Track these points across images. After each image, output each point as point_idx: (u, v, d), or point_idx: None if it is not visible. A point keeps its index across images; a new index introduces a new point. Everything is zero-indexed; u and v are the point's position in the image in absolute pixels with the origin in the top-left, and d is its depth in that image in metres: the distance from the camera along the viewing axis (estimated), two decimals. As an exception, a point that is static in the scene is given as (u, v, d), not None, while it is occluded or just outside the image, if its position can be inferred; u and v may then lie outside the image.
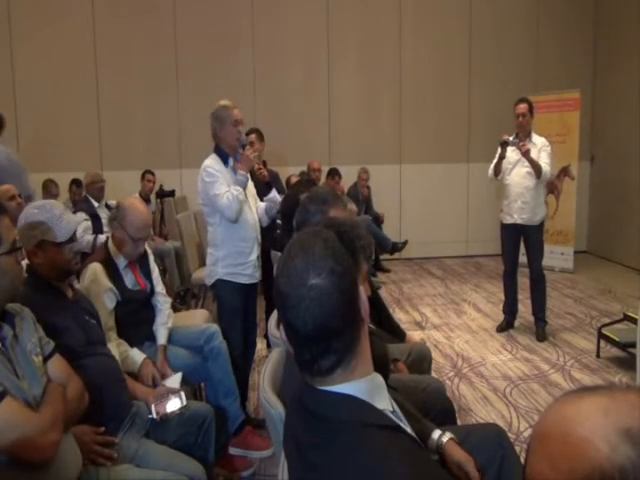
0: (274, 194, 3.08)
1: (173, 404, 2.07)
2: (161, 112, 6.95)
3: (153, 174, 6.01)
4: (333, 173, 6.28)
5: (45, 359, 1.57)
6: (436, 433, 1.48)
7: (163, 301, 2.67)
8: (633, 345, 3.29)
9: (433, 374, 2.91)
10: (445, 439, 1.47)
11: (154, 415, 2.02)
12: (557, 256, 6.56)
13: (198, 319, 3.32)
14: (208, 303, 4.91)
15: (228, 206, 2.74)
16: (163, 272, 4.77)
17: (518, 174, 4.20)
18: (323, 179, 6.26)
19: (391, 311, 3.05)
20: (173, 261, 5.23)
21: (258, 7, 6.98)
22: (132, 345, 2.41)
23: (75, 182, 5.69)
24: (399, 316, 4.88)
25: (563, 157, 6.36)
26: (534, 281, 4.31)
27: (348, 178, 6.55)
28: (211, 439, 2.12)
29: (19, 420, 1.34)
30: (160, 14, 6.87)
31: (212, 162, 2.84)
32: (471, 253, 7.49)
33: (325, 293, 0.90)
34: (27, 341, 1.51)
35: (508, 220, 4.29)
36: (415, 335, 2.74)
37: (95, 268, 2.35)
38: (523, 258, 4.42)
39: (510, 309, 4.51)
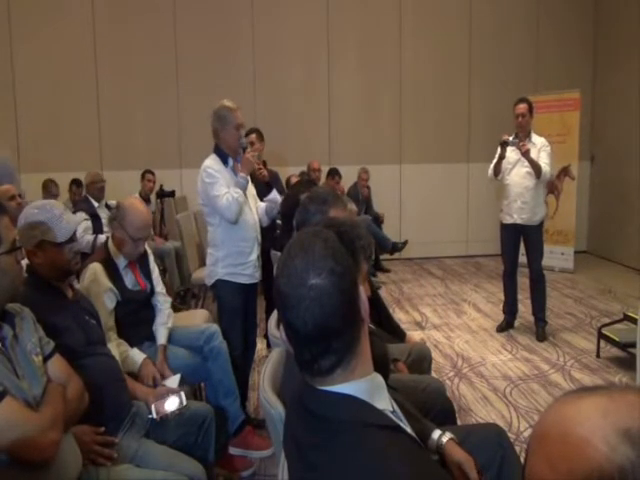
0: (275, 195, 3.08)
1: (173, 404, 2.07)
2: (161, 112, 6.95)
3: (153, 174, 6.01)
4: (333, 173, 6.28)
5: (45, 359, 1.57)
6: (436, 433, 1.48)
7: (163, 301, 2.68)
8: (633, 345, 3.29)
9: (433, 374, 2.91)
10: (445, 439, 1.47)
11: (154, 415, 2.02)
12: (557, 256, 6.56)
13: (198, 319, 3.32)
14: (208, 303, 4.91)
15: (227, 207, 2.74)
16: (163, 272, 4.77)
17: (518, 174, 4.20)
18: (323, 179, 6.26)
19: (391, 311, 3.05)
20: (173, 261, 5.24)
21: (258, 7, 6.98)
22: (132, 345, 2.41)
23: (75, 182, 5.68)
24: (399, 316, 4.88)
25: (563, 157, 6.36)
26: (534, 281, 4.31)
27: (348, 178, 6.55)
28: (211, 439, 2.12)
29: (19, 420, 1.34)
30: (160, 14, 6.87)
31: (212, 162, 2.84)
32: (471, 253, 7.49)
33: (325, 293, 0.90)
34: (27, 341, 1.51)
35: (508, 220, 4.29)
36: (415, 335, 2.74)
37: (95, 268, 2.35)
38: (523, 258, 4.42)
39: (510, 309, 4.51)
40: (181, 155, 7.01)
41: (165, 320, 2.61)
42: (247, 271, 2.92)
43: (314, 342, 0.92)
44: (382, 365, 1.43)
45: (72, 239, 1.89)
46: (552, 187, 6.55)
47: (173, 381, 2.35)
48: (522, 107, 4.14)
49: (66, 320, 1.83)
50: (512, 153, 4.16)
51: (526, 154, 4.02)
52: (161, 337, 2.55)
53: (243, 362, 2.99)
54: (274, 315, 1.95)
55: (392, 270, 6.77)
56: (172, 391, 2.14)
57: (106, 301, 2.33)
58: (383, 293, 5.51)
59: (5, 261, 1.46)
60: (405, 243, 6.53)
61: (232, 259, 2.88)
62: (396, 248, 6.43)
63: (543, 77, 7.26)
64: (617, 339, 3.70)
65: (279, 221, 3.53)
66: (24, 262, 1.75)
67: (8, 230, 1.49)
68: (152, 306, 2.64)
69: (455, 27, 7.28)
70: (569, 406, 0.56)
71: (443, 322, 4.81)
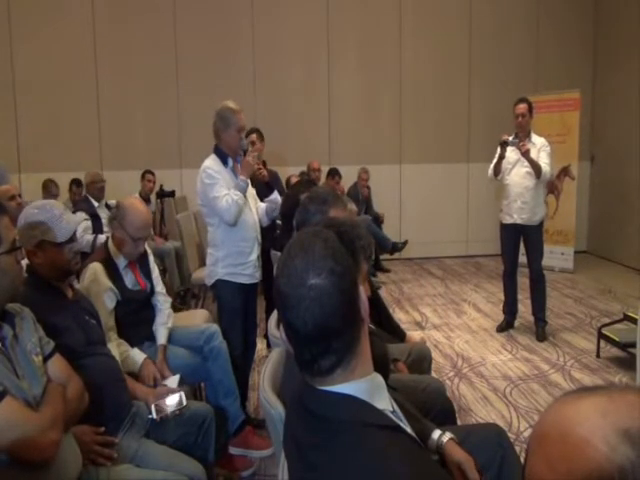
0: (275, 196, 3.08)
1: (173, 404, 2.07)
2: (161, 112, 6.95)
3: (153, 174, 6.01)
4: (333, 173, 6.28)
5: (45, 359, 1.57)
6: (436, 433, 1.48)
7: (163, 301, 2.68)
8: (633, 345, 3.30)
9: (433, 374, 2.91)
10: (445, 439, 1.47)
11: (154, 415, 2.02)
12: (557, 256, 6.56)
13: (198, 319, 3.32)
14: (208, 303, 4.91)
15: (227, 209, 2.74)
16: (163, 272, 4.77)
17: (518, 174, 4.20)
18: (323, 179, 6.26)
19: (391, 311, 3.05)
20: (173, 261, 5.24)
21: (258, 7, 6.98)
22: (132, 345, 2.41)
23: (75, 182, 5.68)
24: (399, 316, 4.88)
25: (563, 157, 6.36)
26: (534, 281, 4.31)
27: (348, 178, 6.55)
28: (211, 439, 2.12)
29: (19, 420, 1.34)
30: (160, 14, 6.87)
31: (212, 163, 2.84)
32: (471, 253, 7.49)
33: (325, 293, 0.90)
34: (27, 341, 1.51)
35: (508, 220, 4.29)
36: (415, 335, 2.73)
37: (95, 268, 2.35)
38: (523, 258, 4.42)
39: (510, 309, 4.51)
40: (181, 155, 7.01)
41: (165, 320, 2.61)
42: (247, 271, 2.92)
43: (314, 342, 0.92)
44: (382, 365, 1.44)
45: (72, 239, 1.89)
46: (552, 187, 6.56)
47: (173, 381, 2.35)
48: (522, 107, 4.14)
49: (66, 320, 1.83)
50: (512, 153, 4.16)
51: (526, 154, 4.02)
52: (161, 337, 2.55)
53: (243, 362, 2.99)
54: (274, 315, 1.95)
55: (392, 270, 6.77)
56: (172, 391, 2.14)
57: (106, 301, 2.33)
58: (383, 293, 5.51)
59: (5, 261, 1.46)
60: (405, 243, 6.53)
61: (232, 259, 2.88)
62: (396, 248, 6.43)
63: (543, 77, 7.26)
64: (617, 339, 3.70)
65: (279, 221, 3.53)
66: (24, 262, 1.75)
67: (8, 230, 1.49)
68: (152, 306, 2.64)
69: (455, 27, 7.28)
70: (569, 406, 0.56)
71: (443, 322, 4.81)
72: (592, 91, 7.33)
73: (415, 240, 7.05)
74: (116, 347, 2.27)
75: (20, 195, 3.85)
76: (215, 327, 2.72)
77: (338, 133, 7.25)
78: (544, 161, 4.09)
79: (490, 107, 7.06)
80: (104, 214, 4.40)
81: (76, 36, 6.77)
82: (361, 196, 6.48)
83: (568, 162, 6.53)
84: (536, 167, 4.06)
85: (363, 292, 0.98)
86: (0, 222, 1.46)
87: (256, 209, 3.03)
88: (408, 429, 1.06)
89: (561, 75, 7.17)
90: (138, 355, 2.38)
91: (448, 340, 4.36)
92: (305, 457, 0.95)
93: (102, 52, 6.82)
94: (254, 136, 4.24)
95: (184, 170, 6.89)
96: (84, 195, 4.81)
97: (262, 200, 3.14)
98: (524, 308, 4.67)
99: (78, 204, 4.76)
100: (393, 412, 1.03)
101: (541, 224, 4.29)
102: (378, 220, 6.67)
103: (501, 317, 4.59)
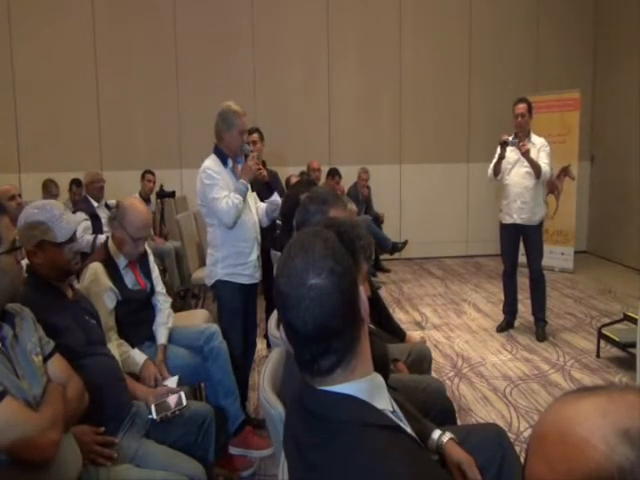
0: (276, 197, 3.09)
1: (173, 404, 2.07)
2: (161, 112, 6.95)
3: (153, 174, 6.00)
4: (333, 173, 6.28)
5: (45, 359, 1.57)
6: (436, 433, 1.48)
7: (163, 300, 2.68)
8: (633, 345, 3.30)
9: (433, 374, 2.91)
10: (445, 439, 1.47)
11: (154, 415, 2.02)
12: (557, 256, 6.56)
13: (198, 319, 3.32)
14: (208, 303, 4.92)
15: (227, 212, 2.74)
16: (163, 272, 4.77)
17: (517, 174, 4.20)
18: (323, 179, 6.26)
19: (391, 311, 3.05)
20: (173, 261, 5.24)
21: (258, 7, 6.98)
22: (132, 345, 2.41)
23: (75, 182, 5.68)
24: (399, 316, 4.88)
25: (563, 157, 6.36)
26: (534, 281, 4.31)
27: (348, 178, 6.55)
28: (211, 439, 2.12)
29: (19, 420, 1.34)
30: (160, 14, 6.87)
31: (211, 163, 2.84)
32: (471, 253, 7.49)
33: (325, 293, 0.90)
34: (27, 341, 1.51)
35: (507, 220, 4.29)
36: (415, 335, 2.73)
37: (95, 268, 2.35)
38: (523, 258, 4.42)
39: (510, 309, 4.51)
40: (181, 155, 7.01)
41: (165, 320, 2.61)
42: (247, 271, 2.93)
43: (314, 342, 0.92)
44: (382, 365, 1.43)
45: (72, 239, 1.89)
46: (552, 187, 6.56)
47: (172, 382, 2.35)
48: (521, 107, 4.14)
49: (66, 320, 1.83)
50: (512, 153, 4.16)
51: (526, 154, 4.02)
52: (161, 337, 2.55)
53: (243, 362, 2.99)
54: (274, 315, 1.95)
55: (392, 270, 6.78)
56: (172, 391, 2.15)
57: (106, 301, 2.33)
58: (383, 293, 5.51)
59: (5, 261, 1.46)
60: (405, 243, 6.52)
61: (232, 259, 2.88)
62: (396, 248, 6.43)
63: (543, 77, 7.26)
64: (617, 339, 3.70)
65: (279, 221, 3.53)
66: (24, 262, 1.75)
67: (8, 230, 1.49)
68: (152, 306, 2.64)
69: (455, 27, 7.28)
70: (568, 406, 0.56)
71: (443, 322, 4.81)
72: (592, 91, 7.33)
73: (415, 240, 7.05)
74: (116, 347, 2.27)
75: (20, 195, 3.86)
76: (215, 327, 2.72)
77: (338, 133, 7.25)
78: (544, 161, 4.09)
79: (490, 107, 7.06)
80: (104, 214, 4.40)
81: (76, 36, 6.77)
82: (361, 196, 6.48)
83: (568, 162, 6.53)
84: (536, 167, 4.06)
85: (363, 292, 0.98)
86: (0, 222, 1.46)
87: (256, 209, 3.04)
88: (408, 429, 1.06)
89: (561, 75, 7.17)
90: (139, 356, 2.38)
91: (448, 340, 4.36)
92: (305, 457, 0.95)
93: (102, 52, 6.82)
94: (255, 136, 4.25)
95: (184, 170, 6.89)
96: (83, 195, 4.80)
97: (262, 201, 3.14)
98: (524, 308, 4.67)
99: (78, 204, 4.77)
100: (393, 412, 1.03)
101: (541, 224, 4.29)
102: (378, 220, 6.67)
103: (501, 317, 4.59)
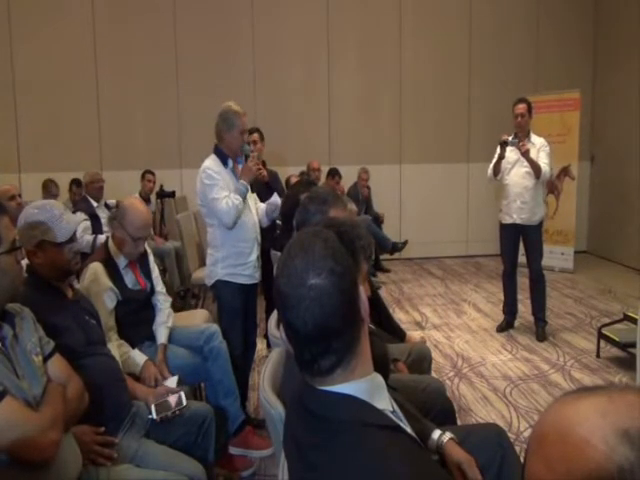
0: (275, 198, 3.09)
1: (173, 404, 2.07)
2: (161, 112, 6.95)
3: (153, 174, 6.00)
4: (333, 173, 6.29)
5: (45, 359, 1.57)
6: (436, 433, 1.48)
7: (163, 300, 2.68)
8: (633, 345, 3.30)
9: (433, 374, 2.91)
10: (445, 439, 1.47)
11: (154, 415, 2.02)
12: (557, 256, 6.56)
13: (198, 319, 3.32)
14: (208, 303, 4.91)
15: (227, 212, 2.74)
16: (163, 272, 4.77)
17: (517, 174, 4.20)
18: (323, 179, 6.26)
19: (391, 311, 3.05)
20: (173, 261, 5.24)
21: (258, 7, 6.98)
22: (132, 344, 2.41)
23: (75, 182, 5.68)
24: (399, 316, 4.88)
25: (563, 157, 6.36)
26: (534, 281, 4.31)
27: (348, 178, 6.55)
28: (211, 439, 2.12)
29: (19, 420, 1.34)
30: (160, 14, 6.87)
31: (212, 163, 2.84)
32: (471, 253, 7.49)
33: (325, 293, 0.90)
34: (27, 341, 1.51)
35: (507, 220, 4.29)
36: (415, 335, 2.73)
37: (95, 268, 2.35)
38: (523, 258, 4.42)
39: (510, 309, 4.51)
40: (181, 155, 7.01)
41: (165, 319, 2.61)
42: (247, 271, 2.93)
43: (314, 342, 0.92)
44: (382, 365, 1.43)
45: (72, 239, 1.89)
46: (552, 187, 6.56)
47: (171, 382, 2.35)
48: (521, 107, 4.15)
49: (66, 320, 1.83)
50: (511, 153, 4.16)
51: (526, 154, 4.02)
52: (161, 336, 2.55)
53: (243, 362, 2.99)
54: (274, 315, 1.95)
55: (392, 270, 6.78)
56: (172, 391, 2.15)
57: (106, 301, 2.34)
58: (383, 293, 5.51)
59: (5, 261, 1.46)
60: (405, 243, 6.52)
61: (232, 260, 2.88)
62: (396, 248, 6.43)
63: (543, 77, 7.26)
64: (617, 339, 3.70)
65: (279, 221, 3.53)
66: (24, 262, 1.75)
67: (8, 230, 1.49)
68: (152, 306, 2.64)
69: (455, 27, 7.28)
70: (568, 406, 0.56)
71: (443, 322, 4.81)
72: (592, 91, 7.33)
73: (415, 240, 7.05)
74: (117, 348, 2.27)
75: (20, 195, 3.86)
76: (215, 327, 2.72)
77: (338, 133, 7.25)
78: (543, 161, 4.09)
79: (490, 107, 7.06)
80: (103, 214, 4.40)
81: (76, 36, 6.77)
82: (361, 196, 6.48)
83: (568, 162, 6.53)
84: (536, 167, 4.06)
85: (363, 292, 0.98)
86: (0, 222, 1.46)
87: (256, 210, 3.04)
88: (408, 429, 1.06)
89: (561, 75, 7.17)
90: (139, 357, 2.37)
91: (448, 340, 4.36)
92: (305, 457, 0.95)
93: (102, 52, 6.82)
94: (256, 136, 4.24)
95: (184, 170, 6.89)
96: (83, 195, 4.80)
97: (262, 201, 3.14)
98: (524, 308, 4.67)
99: (77, 204, 4.76)
100: (393, 412, 1.03)
101: (540, 224, 4.29)
102: (378, 220, 6.67)
103: (501, 317, 4.59)
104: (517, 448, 2.13)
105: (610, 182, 7.12)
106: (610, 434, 0.51)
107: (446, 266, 7.02)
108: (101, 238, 3.96)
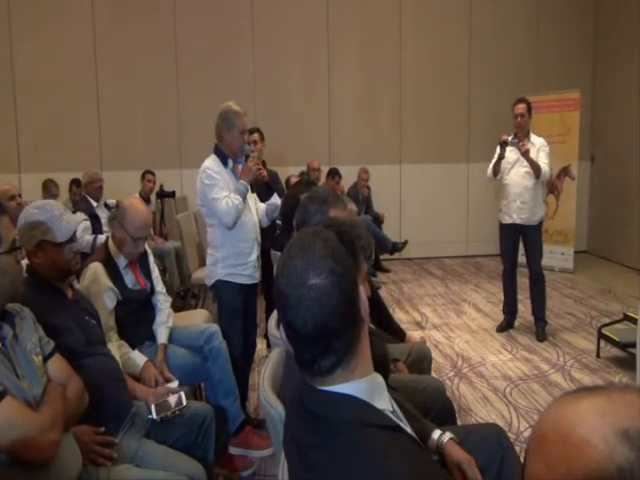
0: (275, 198, 3.09)
1: (173, 404, 2.07)
2: (161, 112, 6.95)
3: (153, 174, 6.00)
4: (333, 173, 6.29)
5: (45, 359, 1.57)
6: (436, 433, 1.48)
7: (163, 300, 2.68)
8: (633, 345, 3.30)
9: (433, 374, 2.91)
10: (445, 439, 1.47)
11: (154, 415, 2.02)
12: (557, 256, 6.56)
13: (198, 319, 3.32)
14: (208, 303, 4.92)
15: (227, 212, 2.74)
16: (163, 272, 4.77)
17: (517, 174, 4.21)
18: (323, 179, 6.26)
19: (391, 311, 3.05)
20: (173, 261, 5.24)
21: (258, 7, 6.99)
22: (132, 344, 2.41)
23: (75, 182, 5.69)
24: (399, 316, 4.88)
25: (563, 157, 6.36)
26: (533, 281, 4.31)
27: (348, 178, 6.55)
28: (211, 439, 2.12)
29: (19, 420, 1.34)
30: (160, 14, 6.87)
31: (212, 163, 2.84)
32: (471, 253, 7.49)
33: (325, 293, 0.90)
34: (27, 341, 1.51)
35: (507, 220, 4.29)
36: (415, 335, 2.73)
37: (95, 268, 2.35)
38: (523, 258, 4.42)
39: (510, 309, 4.51)
40: (181, 155, 7.01)
41: (165, 319, 2.61)
42: (247, 272, 2.93)
43: (314, 342, 0.92)
44: (382, 365, 1.43)
45: (72, 239, 1.89)
46: (552, 187, 6.56)
47: (172, 384, 2.35)
48: (521, 107, 4.15)
49: (66, 320, 1.83)
50: (511, 153, 4.16)
51: (526, 154, 4.02)
52: (161, 336, 2.55)
53: (243, 362, 2.99)
54: (274, 315, 1.95)
55: (392, 270, 6.77)
56: (172, 391, 2.15)
57: (106, 301, 2.34)
58: (383, 293, 5.51)
59: (5, 261, 1.46)
60: (405, 243, 6.52)
61: (232, 260, 2.88)
62: (396, 248, 6.43)
63: (543, 77, 7.26)
64: (617, 339, 3.70)
65: (279, 221, 3.54)
66: (24, 262, 1.75)
67: (8, 230, 1.49)
68: (152, 306, 2.64)
69: (455, 27, 7.28)
70: (568, 406, 0.56)
71: (443, 322, 4.81)
72: (592, 91, 7.33)
73: (415, 240, 7.05)
74: (117, 349, 2.27)
75: (20, 195, 3.86)
76: (215, 327, 2.72)
77: (338, 133, 7.25)
78: (543, 161, 4.09)
79: (490, 107, 7.06)
80: (103, 214, 4.40)
81: (76, 36, 6.77)
82: (361, 196, 6.48)
83: (568, 162, 6.53)
84: (535, 167, 4.06)
85: (363, 292, 0.98)
86: (0, 222, 1.46)
87: (256, 210, 3.04)
88: (408, 429, 1.06)
89: (561, 75, 7.17)
90: (139, 358, 2.37)
91: (448, 340, 4.36)
92: (305, 457, 0.95)
93: (102, 52, 6.82)
94: (256, 135, 4.24)
95: (184, 170, 6.89)
96: (83, 195, 4.80)
97: (262, 201, 3.14)
98: (524, 308, 4.67)
99: (77, 204, 4.76)
100: (393, 412, 1.03)
101: (540, 224, 4.29)
102: (378, 220, 6.67)
103: (501, 317, 4.59)
104: (517, 448, 2.13)
105: (610, 182, 7.12)
106: (610, 434, 0.51)
107: (446, 266, 7.03)
108: (101, 238, 3.96)
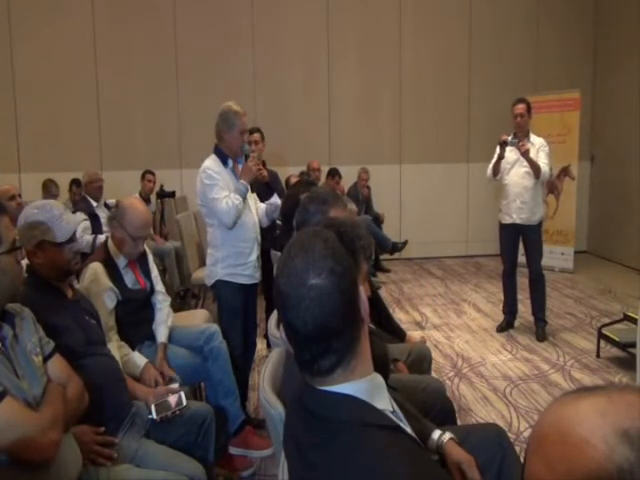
0: (275, 199, 3.09)
1: (173, 404, 2.07)
2: (161, 112, 6.95)
3: (153, 174, 6.00)
4: (333, 173, 6.29)
5: (45, 359, 1.57)
6: (436, 433, 1.48)
7: (163, 300, 2.68)
8: (633, 345, 3.30)
9: (433, 374, 2.91)
10: (445, 439, 1.47)
11: (154, 415, 2.02)
12: (557, 256, 6.56)
13: (198, 319, 3.32)
14: (208, 303, 4.92)
15: (227, 212, 2.74)
16: (163, 272, 4.77)
17: (517, 174, 4.21)
18: (323, 179, 6.26)
19: (391, 311, 3.05)
20: (173, 261, 5.24)
21: (258, 7, 6.99)
22: (132, 344, 2.41)
23: (75, 182, 5.69)
24: (399, 316, 4.88)
25: (563, 157, 6.36)
26: (533, 281, 4.31)
27: (348, 178, 6.55)
28: (211, 439, 2.12)
29: (19, 420, 1.34)
30: (160, 14, 6.87)
31: (212, 163, 2.84)
32: (471, 253, 7.49)
33: (325, 293, 0.90)
34: (27, 341, 1.51)
35: (507, 220, 4.29)
36: (415, 335, 2.73)
37: (95, 268, 2.35)
38: (522, 258, 4.42)
39: (510, 309, 4.51)
40: (181, 155, 7.01)
41: (165, 318, 2.61)
42: (247, 272, 2.93)
43: (314, 342, 0.92)
44: (382, 365, 1.44)
45: (72, 239, 1.89)
46: (552, 187, 6.56)
47: (172, 384, 2.35)
48: (520, 107, 4.15)
49: (66, 320, 1.83)
50: (511, 153, 4.16)
51: (525, 154, 4.02)
52: (161, 335, 2.55)
53: (243, 362, 2.99)
54: (274, 315, 1.95)
55: (392, 270, 6.77)
56: (172, 391, 2.15)
57: (106, 300, 2.33)
58: (383, 293, 5.51)
59: (5, 261, 1.46)
60: (405, 243, 6.52)
61: (232, 260, 2.88)
62: (396, 248, 6.43)
63: (543, 77, 7.26)
64: (617, 339, 3.70)
65: (279, 221, 3.54)
66: (24, 262, 1.75)
67: (8, 230, 1.49)
68: (152, 305, 2.64)
69: (455, 27, 7.28)
70: (568, 406, 0.56)
71: (443, 322, 4.81)
72: (592, 91, 7.33)
73: (415, 240, 7.05)
74: (117, 349, 2.27)
75: (20, 195, 3.86)
76: (215, 327, 2.72)
77: (338, 133, 7.25)
78: (543, 161, 4.09)
79: (490, 107, 7.06)
80: (103, 214, 4.40)
81: (76, 36, 6.77)
82: (361, 196, 6.48)
83: (568, 162, 6.52)
84: (535, 167, 4.06)
85: (363, 292, 0.98)
86: (0, 222, 1.46)
87: (256, 210, 3.04)
88: (408, 429, 1.06)
89: (561, 75, 7.17)
90: (139, 359, 2.37)
91: (448, 340, 4.36)
92: (305, 457, 0.95)
93: (102, 52, 6.82)
94: (257, 135, 4.24)
95: (184, 170, 6.89)
96: (82, 195, 4.80)
97: (262, 201, 3.14)
98: (524, 308, 4.66)
99: (77, 204, 4.76)
100: (393, 412, 1.03)
101: (540, 224, 4.29)
102: (378, 220, 6.67)
103: (501, 317, 4.59)
104: (517, 448, 2.13)
105: (610, 182, 7.12)
106: (610, 434, 0.51)
107: (446, 266, 7.02)
108: (101, 238, 3.96)
